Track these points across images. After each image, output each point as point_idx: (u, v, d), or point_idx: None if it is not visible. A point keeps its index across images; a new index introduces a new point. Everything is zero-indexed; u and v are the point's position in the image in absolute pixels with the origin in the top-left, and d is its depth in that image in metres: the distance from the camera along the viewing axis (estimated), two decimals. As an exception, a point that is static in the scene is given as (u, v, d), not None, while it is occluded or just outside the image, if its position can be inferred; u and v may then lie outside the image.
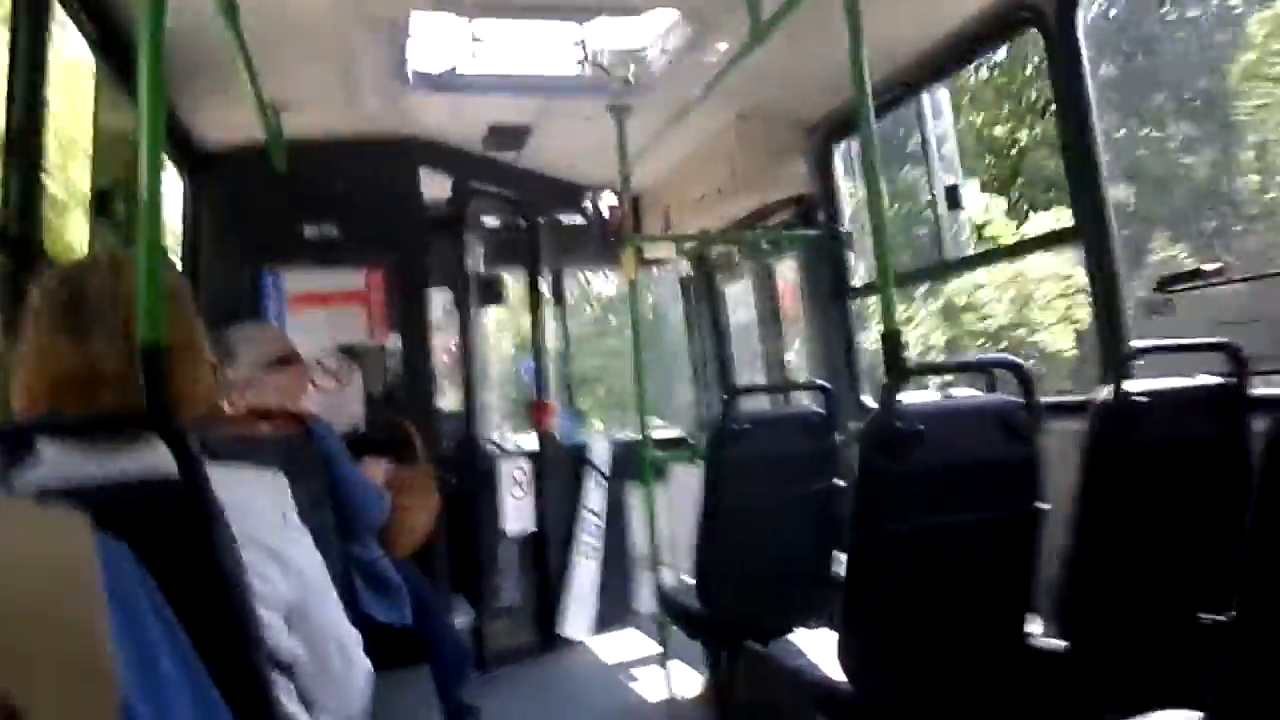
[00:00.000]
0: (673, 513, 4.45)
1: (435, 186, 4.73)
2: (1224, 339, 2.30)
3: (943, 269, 3.70)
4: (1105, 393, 2.19)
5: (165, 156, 3.97)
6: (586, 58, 3.89)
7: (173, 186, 4.25)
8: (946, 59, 3.46)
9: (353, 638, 1.58)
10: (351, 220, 4.34)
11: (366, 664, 1.61)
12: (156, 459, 1.11)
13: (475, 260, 5.47)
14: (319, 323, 3.90)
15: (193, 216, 4.21)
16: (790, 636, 2.53)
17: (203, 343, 1.45)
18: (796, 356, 5.11)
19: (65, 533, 0.58)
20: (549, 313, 5.38)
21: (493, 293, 5.39)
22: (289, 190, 4.15)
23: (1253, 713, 1.14)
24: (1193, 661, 1.25)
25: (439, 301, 4.89)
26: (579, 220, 5.36)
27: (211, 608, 1.08)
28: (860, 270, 4.20)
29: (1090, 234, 2.82)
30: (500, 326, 10.45)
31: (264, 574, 1.37)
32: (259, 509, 1.41)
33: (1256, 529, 1.17)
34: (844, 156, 4.26)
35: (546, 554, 4.79)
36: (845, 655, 2.11)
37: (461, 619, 4.37)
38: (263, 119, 3.47)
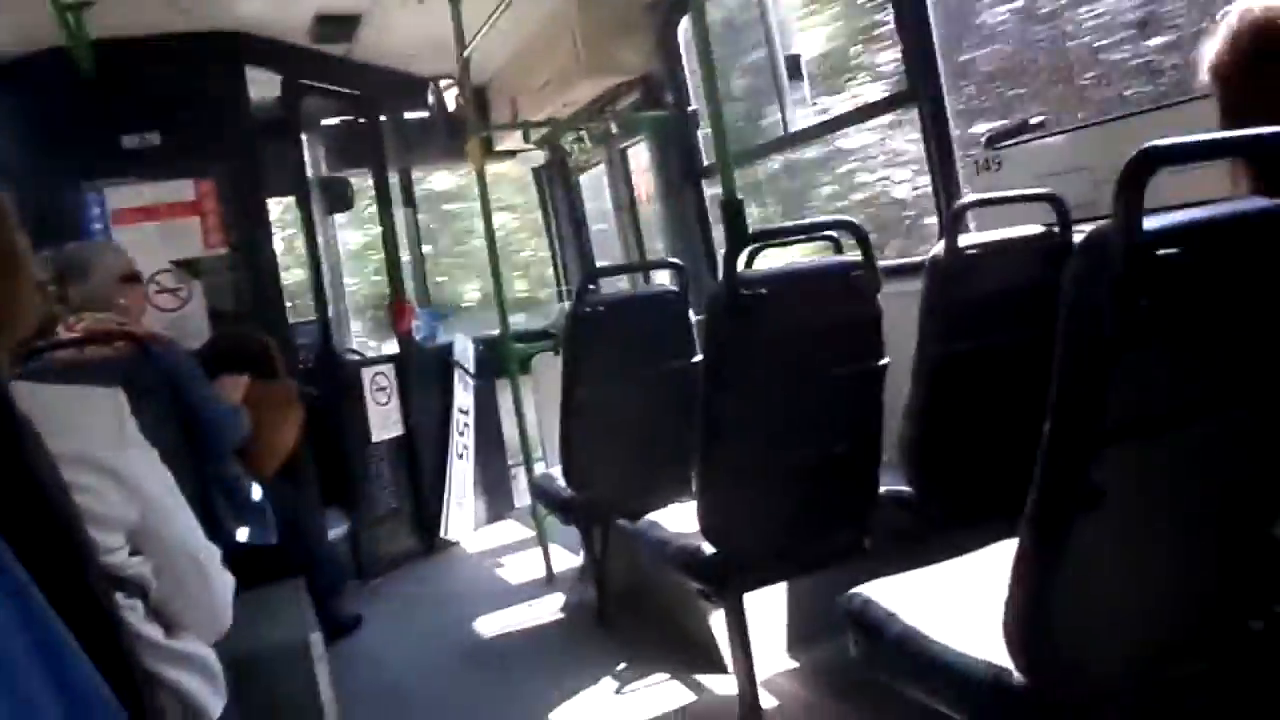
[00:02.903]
0: (540, 404, 4.46)
1: (265, 86, 4.46)
2: (1047, 190, 2.39)
3: (785, 141, 3.72)
4: (938, 248, 2.27)
5: None
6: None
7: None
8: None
9: (210, 553, 1.54)
10: (174, 127, 4.05)
11: (228, 579, 1.58)
12: None
13: (317, 163, 5.24)
14: (150, 238, 3.68)
15: (-4, 132, 3.88)
16: (657, 512, 2.59)
17: (27, 262, 1.34)
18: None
19: None
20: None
21: (339, 197, 5.19)
22: (101, 98, 3.85)
23: (1055, 528, 1.22)
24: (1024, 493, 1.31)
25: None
26: (424, 115, 5.16)
27: (29, 529, 1.03)
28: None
29: (923, 96, 2.90)
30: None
31: (99, 493, 1.32)
32: (88, 425, 1.34)
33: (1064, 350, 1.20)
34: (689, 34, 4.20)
35: (419, 458, 4.76)
36: (705, 519, 2.18)
37: (337, 530, 4.34)
38: (60, 19, 3.20)
